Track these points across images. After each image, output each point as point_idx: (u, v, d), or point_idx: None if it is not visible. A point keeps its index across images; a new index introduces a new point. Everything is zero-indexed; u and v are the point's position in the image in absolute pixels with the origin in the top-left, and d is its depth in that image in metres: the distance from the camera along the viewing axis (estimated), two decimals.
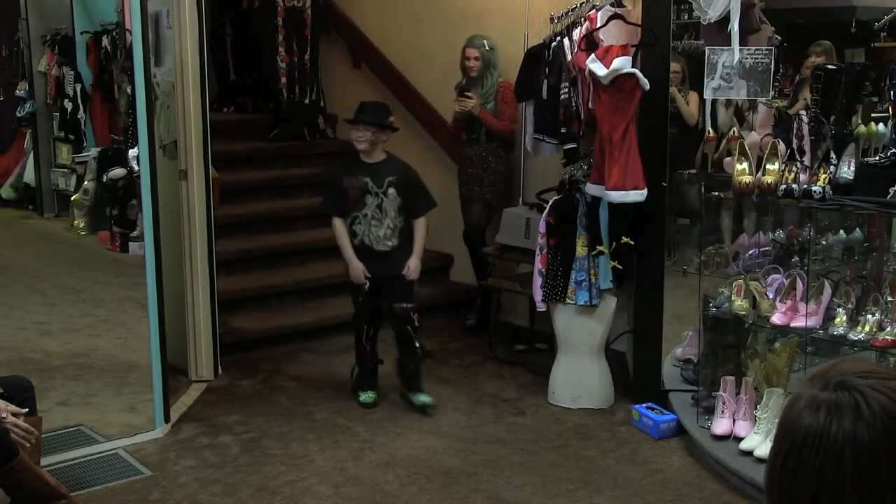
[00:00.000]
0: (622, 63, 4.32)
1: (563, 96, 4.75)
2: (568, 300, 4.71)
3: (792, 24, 5.00)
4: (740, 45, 4.23)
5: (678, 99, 4.81)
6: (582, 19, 4.69)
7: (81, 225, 5.92)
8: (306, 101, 7.03)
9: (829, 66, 4.13)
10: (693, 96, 4.86)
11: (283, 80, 6.90)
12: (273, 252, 6.20)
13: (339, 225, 4.68)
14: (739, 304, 4.15)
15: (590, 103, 4.57)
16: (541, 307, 4.91)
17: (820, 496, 1.18)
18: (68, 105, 6.23)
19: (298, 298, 6.03)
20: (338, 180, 4.72)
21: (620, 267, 4.69)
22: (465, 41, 5.66)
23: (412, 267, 4.70)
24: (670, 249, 4.94)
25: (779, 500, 1.22)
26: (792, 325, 4.02)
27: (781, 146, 4.10)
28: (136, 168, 4.41)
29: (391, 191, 4.64)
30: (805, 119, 4.09)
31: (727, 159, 4.51)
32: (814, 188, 3.89)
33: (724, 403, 4.16)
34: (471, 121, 5.70)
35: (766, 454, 3.89)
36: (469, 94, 5.65)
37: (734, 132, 4.61)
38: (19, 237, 6.64)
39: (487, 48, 5.61)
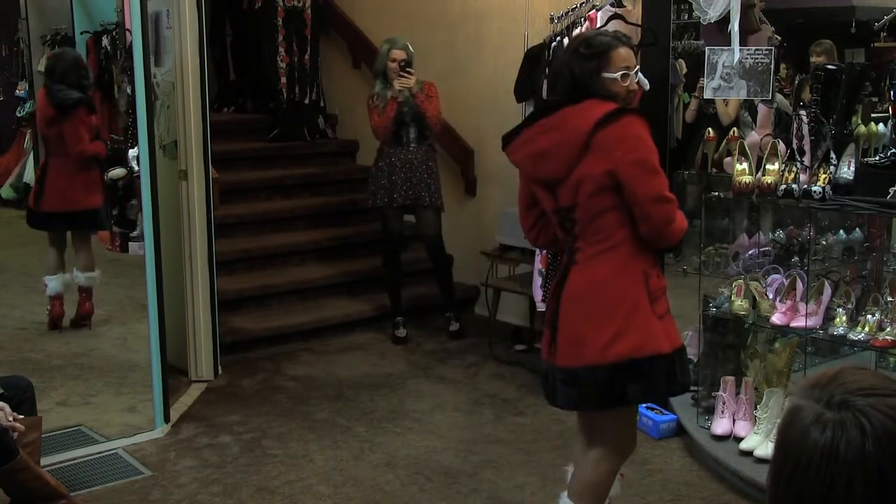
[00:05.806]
0: None
1: None
2: None
3: (792, 24, 5.00)
4: (740, 45, 4.23)
5: (717, 100, 4.80)
6: (582, 19, 4.70)
7: None
8: (306, 101, 7.04)
9: (829, 66, 4.13)
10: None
11: (283, 80, 6.91)
12: (273, 252, 6.21)
13: None
14: (739, 304, 4.14)
15: None
16: (541, 307, 4.90)
17: None
18: None
19: (298, 298, 6.04)
20: None
21: None
22: (387, 44, 5.47)
23: None
24: (678, 249, 4.93)
25: None
26: (792, 325, 4.02)
27: (781, 146, 4.10)
28: (136, 168, 4.41)
29: None
30: (805, 119, 4.09)
31: (727, 159, 4.51)
32: (814, 188, 3.88)
33: (723, 403, 4.16)
34: (398, 123, 5.48)
35: (766, 454, 3.91)
36: (411, 70, 5.40)
37: (734, 132, 4.61)
38: (19, 237, 6.63)
39: (411, 49, 5.48)
